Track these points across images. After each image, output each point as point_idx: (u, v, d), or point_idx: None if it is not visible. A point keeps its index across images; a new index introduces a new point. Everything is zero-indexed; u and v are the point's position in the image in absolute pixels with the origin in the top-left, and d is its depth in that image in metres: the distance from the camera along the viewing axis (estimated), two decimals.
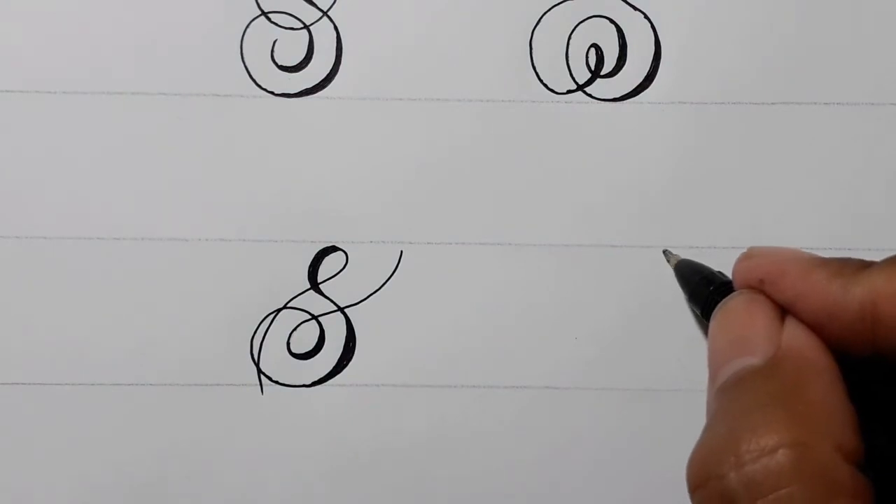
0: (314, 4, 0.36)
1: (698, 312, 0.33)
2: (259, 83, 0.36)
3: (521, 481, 0.36)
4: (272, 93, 0.36)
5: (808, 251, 0.28)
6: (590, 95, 0.36)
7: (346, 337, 0.36)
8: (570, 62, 0.36)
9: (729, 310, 0.28)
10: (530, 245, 0.36)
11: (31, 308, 0.36)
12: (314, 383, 0.36)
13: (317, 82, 0.36)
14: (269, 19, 0.36)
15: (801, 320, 0.26)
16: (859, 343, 0.25)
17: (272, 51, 0.36)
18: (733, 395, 0.25)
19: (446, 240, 0.36)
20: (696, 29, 0.36)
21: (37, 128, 0.36)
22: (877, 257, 0.36)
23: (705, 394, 0.35)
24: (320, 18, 0.36)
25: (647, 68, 0.36)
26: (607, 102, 0.36)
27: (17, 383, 0.36)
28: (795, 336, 0.26)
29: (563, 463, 0.36)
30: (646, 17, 0.36)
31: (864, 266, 0.26)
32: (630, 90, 0.36)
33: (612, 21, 0.36)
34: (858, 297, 0.25)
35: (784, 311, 0.27)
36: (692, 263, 0.34)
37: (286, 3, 0.36)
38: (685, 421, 0.36)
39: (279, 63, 0.36)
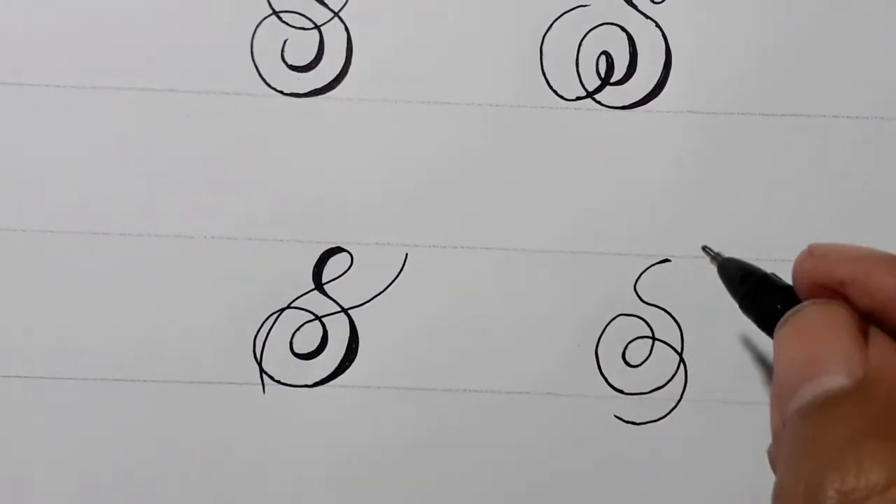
0: (325, 5, 0.36)
1: (755, 321, 0.30)
2: (269, 82, 0.36)
3: (521, 485, 0.36)
4: (282, 92, 0.36)
5: (872, 248, 0.25)
6: (599, 103, 0.36)
7: (350, 338, 0.36)
8: (581, 69, 0.36)
9: (804, 322, 0.25)
10: (535, 251, 0.36)
11: (34, 302, 0.36)
12: (316, 384, 0.36)
13: (326, 83, 0.36)
14: (280, 19, 0.36)
15: (890, 328, 0.23)
16: None
17: (282, 50, 0.36)
18: (822, 423, 0.22)
19: (451, 243, 0.36)
20: (707, 39, 0.36)
21: (45, 122, 0.36)
22: None
23: (707, 400, 0.35)
24: (331, 19, 0.36)
25: (658, 77, 0.36)
26: (616, 110, 0.36)
27: (20, 377, 0.36)
28: (886, 355, 0.23)
29: (564, 468, 0.36)
30: (657, 25, 0.36)
31: None
32: (640, 98, 0.36)
33: (623, 29, 0.36)
34: None
35: (867, 325, 0.24)
36: (740, 263, 0.31)
37: (297, 3, 0.36)
38: (687, 427, 0.36)
39: (289, 63, 0.36)
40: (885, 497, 0.20)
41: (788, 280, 0.28)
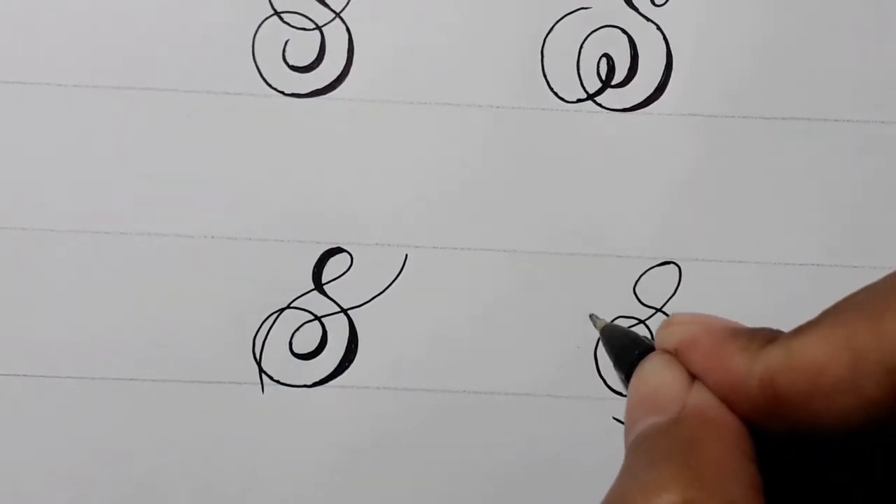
0: (327, 5, 0.36)
1: (623, 380, 0.33)
2: (270, 83, 0.36)
3: (520, 486, 0.36)
4: (283, 92, 0.36)
5: (729, 321, 0.28)
6: (600, 105, 0.36)
7: (349, 338, 0.36)
8: (582, 71, 0.36)
9: (644, 370, 0.28)
10: (535, 252, 0.36)
11: (35, 300, 0.36)
12: (315, 384, 0.36)
13: (327, 83, 0.36)
14: (281, 19, 0.36)
15: (712, 392, 0.26)
16: (765, 417, 0.25)
17: (284, 51, 0.36)
18: (637, 453, 0.25)
19: (451, 244, 0.36)
20: (708, 42, 0.36)
21: (46, 121, 0.36)
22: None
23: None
24: (333, 20, 0.36)
25: (658, 80, 0.36)
26: (617, 112, 0.36)
27: (20, 375, 0.36)
28: (702, 398, 0.26)
29: (563, 469, 0.36)
30: (658, 28, 0.36)
31: (771, 339, 0.26)
32: (640, 101, 0.36)
33: (624, 31, 0.36)
34: (758, 373, 0.25)
35: (693, 377, 0.27)
36: (619, 329, 0.34)
37: (299, 4, 0.36)
38: None
39: (290, 63, 0.36)
40: None
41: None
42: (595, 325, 0.34)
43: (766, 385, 0.24)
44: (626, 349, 0.32)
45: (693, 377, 0.27)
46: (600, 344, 0.36)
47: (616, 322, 0.35)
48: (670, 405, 0.26)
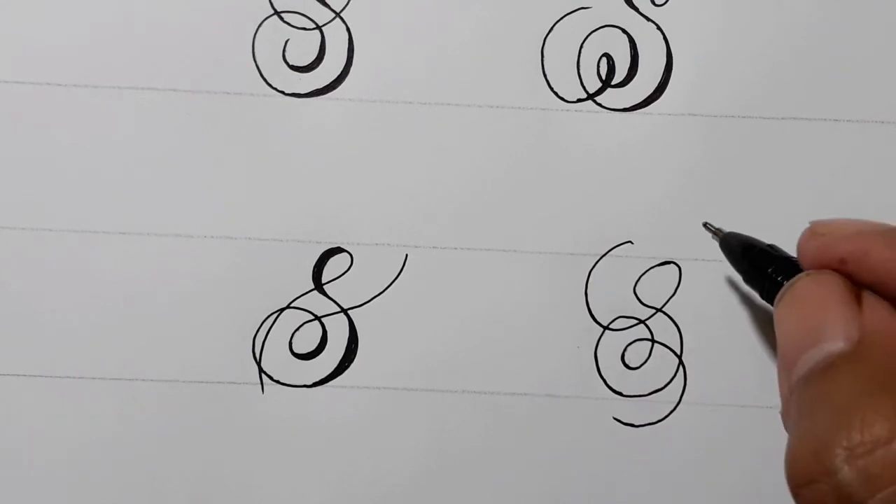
0: (327, 5, 0.36)
1: (758, 293, 0.31)
2: (270, 82, 0.36)
3: (520, 488, 0.36)
4: (282, 92, 0.36)
5: (872, 222, 0.26)
6: (600, 105, 0.36)
7: (349, 339, 0.36)
8: (582, 71, 0.36)
9: (799, 293, 0.26)
10: (535, 252, 0.36)
11: (33, 300, 0.36)
12: (315, 384, 0.36)
13: (327, 83, 0.36)
14: (281, 19, 0.36)
15: (890, 299, 0.24)
16: None
17: (284, 50, 0.36)
18: (826, 385, 0.23)
19: (451, 244, 0.36)
20: (709, 42, 0.36)
21: (46, 120, 0.36)
22: None
23: (706, 403, 0.35)
24: (333, 20, 0.36)
25: (658, 79, 0.36)
26: (617, 112, 0.36)
27: (18, 375, 0.36)
28: (880, 317, 0.24)
29: (563, 469, 0.36)
30: (658, 27, 0.36)
31: None
32: (640, 101, 0.36)
33: (624, 31, 0.36)
34: None
35: (860, 290, 0.25)
36: (742, 237, 0.32)
37: (299, 4, 0.36)
38: (686, 430, 0.36)
39: (290, 63, 0.36)
40: (889, 448, 0.21)
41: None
42: (713, 235, 0.32)
43: None
44: (755, 261, 0.29)
45: (858, 294, 0.25)
46: (601, 343, 0.36)
47: (733, 231, 0.32)
48: (847, 329, 0.24)
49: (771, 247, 0.31)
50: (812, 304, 0.25)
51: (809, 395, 0.23)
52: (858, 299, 0.25)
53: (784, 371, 0.25)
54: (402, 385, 0.36)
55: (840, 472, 0.21)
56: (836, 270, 0.26)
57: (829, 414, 0.22)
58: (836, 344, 0.24)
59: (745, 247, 0.31)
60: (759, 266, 0.30)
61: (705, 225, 0.33)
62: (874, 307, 0.24)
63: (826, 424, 0.22)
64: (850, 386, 0.23)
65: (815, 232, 0.27)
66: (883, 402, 0.21)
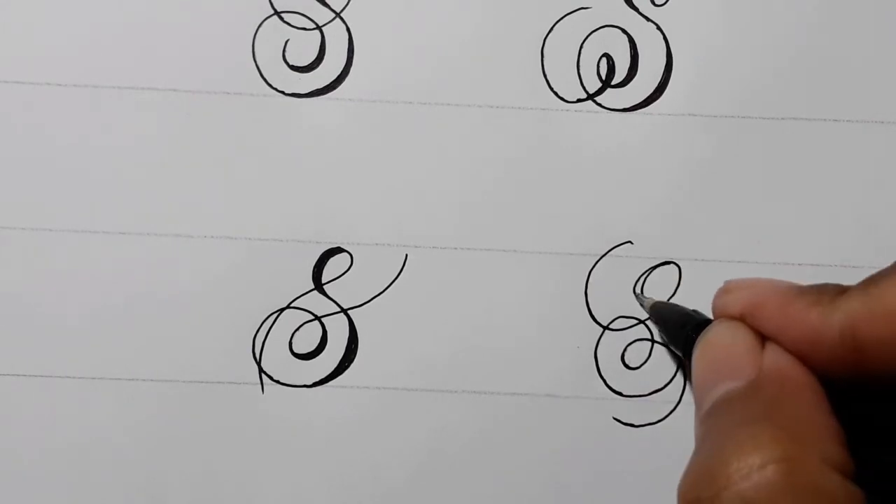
0: (327, 5, 0.36)
1: (679, 353, 0.33)
2: (270, 82, 0.36)
3: (520, 488, 0.36)
4: (283, 92, 0.36)
5: (785, 281, 0.28)
6: (600, 105, 0.36)
7: (349, 339, 0.36)
8: (582, 71, 0.36)
9: (709, 339, 0.28)
10: (535, 252, 0.36)
11: (33, 300, 0.36)
12: (315, 384, 0.36)
13: (327, 83, 0.36)
14: (281, 19, 0.36)
15: (791, 348, 0.26)
16: (844, 369, 0.25)
17: (284, 50, 0.36)
18: (717, 418, 0.25)
19: (451, 244, 0.36)
20: (709, 42, 0.36)
21: (46, 120, 0.36)
22: None
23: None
24: (333, 20, 0.36)
25: (658, 80, 0.36)
26: (617, 112, 0.36)
27: (18, 375, 0.36)
28: (776, 358, 0.26)
29: (563, 469, 0.36)
30: (658, 28, 0.36)
31: (841, 291, 0.26)
32: (640, 101, 0.36)
33: (624, 31, 0.36)
34: (838, 324, 0.25)
35: (764, 339, 0.27)
36: (668, 305, 0.34)
37: (299, 4, 0.36)
38: (686, 430, 0.36)
39: (290, 63, 0.36)
40: (762, 473, 0.22)
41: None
42: (642, 305, 0.35)
43: (846, 335, 0.24)
44: (678, 323, 0.32)
45: (762, 339, 0.27)
46: (601, 343, 0.36)
47: (661, 300, 0.35)
48: (746, 369, 0.26)
49: (692, 312, 0.33)
50: (718, 348, 0.28)
51: (705, 428, 0.25)
52: (762, 345, 0.27)
53: (696, 411, 0.27)
54: (402, 385, 0.36)
55: (718, 499, 0.23)
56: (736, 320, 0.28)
57: (715, 444, 0.24)
58: (733, 383, 0.26)
59: (670, 313, 0.34)
60: (680, 328, 0.32)
61: (636, 295, 0.35)
62: (773, 351, 0.26)
63: (711, 453, 0.24)
64: (735, 418, 0.24)
65: (724, 289, 0.29)
66: (760, 431, 0.23)
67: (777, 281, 0.28)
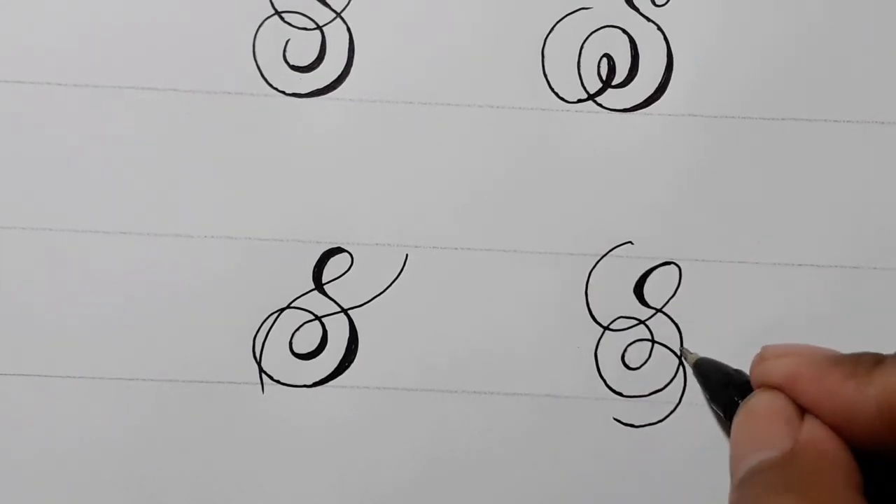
0: (328, 5, 0.36)
1: (720, 413, 0.34)
2: (270, 82, 0.36)
3: (520, 488, 0.36)
4: (283, 92, 0.36)
5: (822, 349, 0.28)
6: (600, 105, 0.36)
7: (349, 338, 0.36)
8: (582, 71, 0.36)
9: (749, 408, 0.29)
10: (536, 252, 0.36)
11: (33, 300, 0.36)
12: (315, 384, 0.36)
13: (328, 83, 0.36)
14: (282, 19, 0.36)
15: (827, 419, 0.27)
16: (881, 441, 0.25)
17: (284, 50, 0.36)
18: (751, 486, 0.26)
19: (452, 245, 0.36)
20: (709, 42, 0.36)
21: (46, 120, 0.36)
22: (884, 275, 0.36)
23: (706, 403, 0.35)
24: (333, 20, 0.36)
25: (659, 80, 0.36)
26: (618, 113, 0.36)
27: (19, 374, 0.36)
28: (813, 430, 0.26)
29: (563, 470, 0.36)
30: (659, 28, 0.36)
31: (878, 361, 0.26)
32: (641, 101, 0.36)
33: (624, 31, 0.36)
34: (874, 398, 0.25)
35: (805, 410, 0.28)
36: (711, 362, 0.35)
37: (300, 4, 0.36)
38: (686, 430, 0.36)
39: (291, 63, 0.36)
40: None
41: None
42: (686, 360, 0.35)
43: (884, 409, 0.25)
44: (720, 382, 0.33)
45: (802, 410, 0.27)
46: (601, 343, 0.36)
47: (705, 357, 0.35)
48: (782, 440, 0.26)
49: (734, 371, 0.34)
50: (758, 418, 0.28)
51: (738, 495, 0.26)
52: (801, 416, 0.27)
53: (732, 479, 0.28)
54: (402, 385, 0.36)
55: None
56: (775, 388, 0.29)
57: None
58: (769, 453, 0.26)
59: (712, 370, 0.34)
60: (722, 388, 0.33)
61: (682, 350, 0.36)
62: (811, 424, 0.27)
63: None
64: (766, 488, 0.25)
65: (761, 356, 0.30)
66: (784, 500, 0.24)
67: (814, 349, 0.28)
